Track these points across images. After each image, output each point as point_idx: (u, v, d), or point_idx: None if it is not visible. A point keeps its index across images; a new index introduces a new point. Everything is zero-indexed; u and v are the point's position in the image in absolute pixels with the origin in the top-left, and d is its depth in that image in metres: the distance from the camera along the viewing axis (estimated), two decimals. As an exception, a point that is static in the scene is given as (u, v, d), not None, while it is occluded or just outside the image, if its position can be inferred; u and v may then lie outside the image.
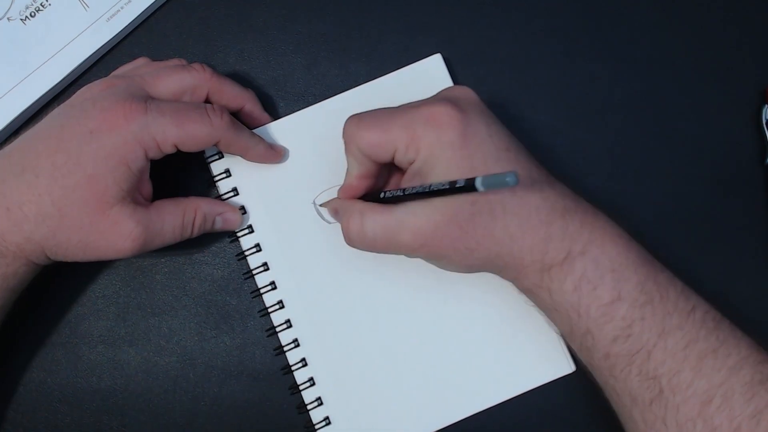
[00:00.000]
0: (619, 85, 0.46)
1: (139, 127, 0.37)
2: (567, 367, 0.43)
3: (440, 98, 0.37)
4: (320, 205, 0.43)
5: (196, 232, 0.41)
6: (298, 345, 0.43)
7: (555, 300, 0.36)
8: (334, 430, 0.42)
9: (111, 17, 0.45)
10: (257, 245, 0.43)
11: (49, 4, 0.44)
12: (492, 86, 0.46)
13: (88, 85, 0.40)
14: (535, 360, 0.43)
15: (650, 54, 0.46)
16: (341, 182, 0.40)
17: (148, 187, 0.40)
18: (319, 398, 0.43)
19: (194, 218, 0.41)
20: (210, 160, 0.44)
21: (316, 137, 0.44)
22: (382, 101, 0.40)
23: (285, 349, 0.43)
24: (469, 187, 0.31)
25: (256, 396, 0.44)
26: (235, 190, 0.44)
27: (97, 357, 0.44)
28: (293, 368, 0.43)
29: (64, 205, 0.36)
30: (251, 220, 0.44)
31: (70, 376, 0.44)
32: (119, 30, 0.45)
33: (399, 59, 0.46)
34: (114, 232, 0.37)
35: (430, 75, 0.44)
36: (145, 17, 0.46)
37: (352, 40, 0.46)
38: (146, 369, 0.44)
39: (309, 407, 0.42)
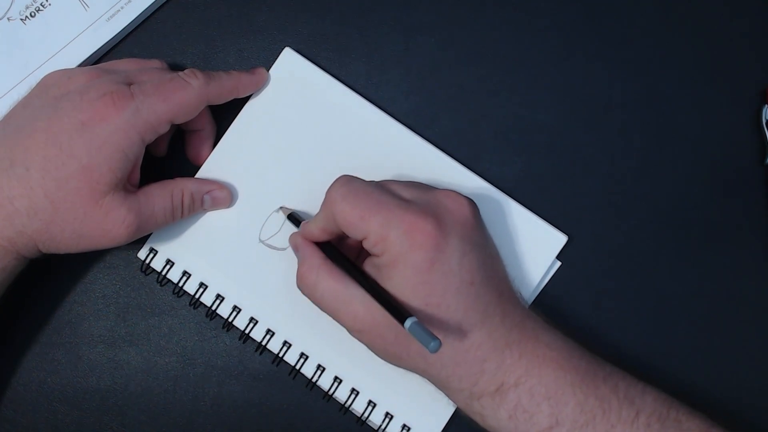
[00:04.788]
0: (619, 85, 0.46)
1: (131, 113, 0.37)
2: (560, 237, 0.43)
3: (430, 207, 0.36)
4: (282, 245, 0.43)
5: (186, 214, 0.42)
6: (290, 346, 0.43)
7: (489, 424, 0.36)
8: (365, 398, 0.42)
9: (111, 17, 0.45)
10: (218, 296, 0.43)
11: (49, 4, 0.44)
12: (492, 86, 0.46)
13: (66, 72, 0.40)
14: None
15: (650, 54, 0.46)
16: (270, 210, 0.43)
17: (137, 174, 0.40)
18: (336, 377, 0.42)
19: (182, 199, 0.41)
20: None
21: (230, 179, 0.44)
22: (276, 111, 0.43)
23: (280, 354, 0.43)
24: (400, 319, 0.32)
25: (256, 396, 0.44)
26: (169, 261, 0.43)
27: (97, 357, 0.44)
28: (297, 366, 0.42)
29: (57, 198, 0.36)
30: (200, 278, 0.43)
31: (70, 376, 0.44)
32: (119, 30, 0.45)
33: (399, 59, 0.46)
34: (108, 220, 0.37)
35: (296, 68, 0.44)
36: (145, 17, 0.46)
37: (352, 40, 0.46)
38: (146, 369, 0.44)
39: (331, 392, 0.42)
